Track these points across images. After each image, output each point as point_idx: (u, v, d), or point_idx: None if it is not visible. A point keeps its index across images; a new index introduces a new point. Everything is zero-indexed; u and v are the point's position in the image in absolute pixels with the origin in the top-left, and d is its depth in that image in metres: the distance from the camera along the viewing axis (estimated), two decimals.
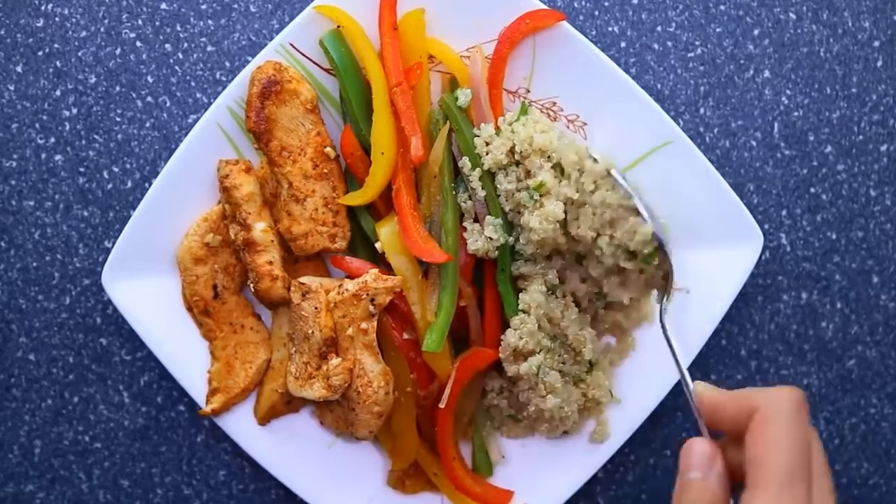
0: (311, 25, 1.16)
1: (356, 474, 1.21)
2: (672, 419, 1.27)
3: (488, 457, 1.21)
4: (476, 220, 1.17)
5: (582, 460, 1.19)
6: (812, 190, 1.28)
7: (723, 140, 1.28)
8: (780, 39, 1.28)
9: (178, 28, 1.27)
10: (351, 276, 1.16)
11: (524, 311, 1.15)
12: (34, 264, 1.26)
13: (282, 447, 1.19)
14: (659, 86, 1.27)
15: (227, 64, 1.26)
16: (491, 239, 1.15)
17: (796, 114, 1.28)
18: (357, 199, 1.16)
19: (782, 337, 1.28)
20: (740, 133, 1.28)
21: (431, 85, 1.18)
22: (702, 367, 1.28)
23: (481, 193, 1.15)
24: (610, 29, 1.28)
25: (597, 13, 1.27)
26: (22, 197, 1.26)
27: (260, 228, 1.15)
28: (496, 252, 1.15)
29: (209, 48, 1.27)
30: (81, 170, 1.26)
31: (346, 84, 1.16)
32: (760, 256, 1.24)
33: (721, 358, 1.28)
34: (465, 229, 1.16)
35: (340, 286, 1.13)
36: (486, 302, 1.18)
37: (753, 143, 1.28)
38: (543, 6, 1.17)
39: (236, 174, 1.15)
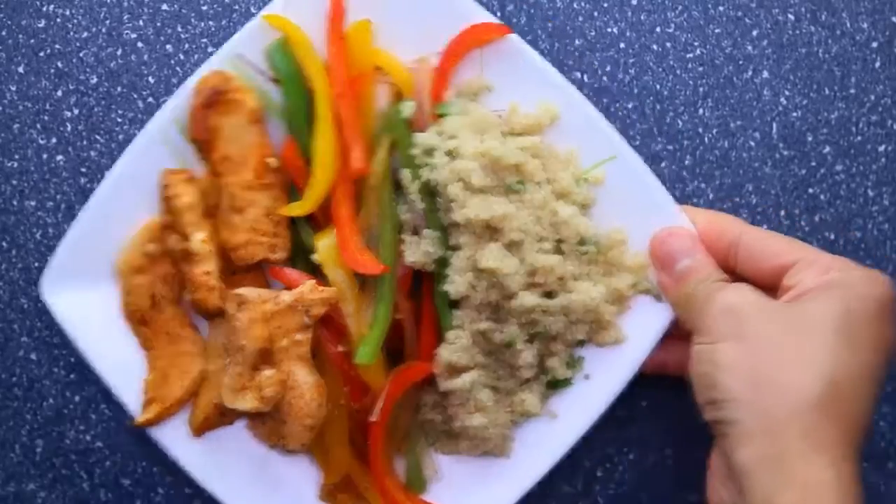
0: (260, 35, 1.14)
1: (289, 487, 1.18)
2: (670, 417, 1.28)
3: (422, 473, 1.18)
4: (415, 233, 1.14)
5: (516, 477, 1.16)
6: (810, 190, 1.28)
7: (721, 140, 1.28)
8: (778, 40, 1.28)
9: (180, 29, 1.27)
10: (289, 288, 1.14)
11: (458, 327, 1.13)
12: (36, 264, 1.26)
13: (216, 459, 1.17)
14: (658, 86, 1.28)
15: None
16: (429, 252, 1.12)
17: (795, 114, 1.28)
18: (297, 209, 1.14)
19: None
20: (739, 133, 1.28)
21: (378, 97, 1.16)
22: None
23: (420, 206, 1.13)
24: (609, 30, 1.28)
25: (596, 14, 1.28)
26: (24, 197, 1.27)
27: (198, 238, 1.13)
28: (433, 266, 1.13)
29: (210, 49, 1.27)
30: (83, 170, 1.27)
31: (289, 94, 1.14)
32: None
33: None
34: (403, 241, 1.14)
35: (277, 297, 1.11)
36: (423, 315, 1.15)
37: (752, 144, 1.28)
38: (491, 18, 1.14)
39: (177, 184, 1.13)
